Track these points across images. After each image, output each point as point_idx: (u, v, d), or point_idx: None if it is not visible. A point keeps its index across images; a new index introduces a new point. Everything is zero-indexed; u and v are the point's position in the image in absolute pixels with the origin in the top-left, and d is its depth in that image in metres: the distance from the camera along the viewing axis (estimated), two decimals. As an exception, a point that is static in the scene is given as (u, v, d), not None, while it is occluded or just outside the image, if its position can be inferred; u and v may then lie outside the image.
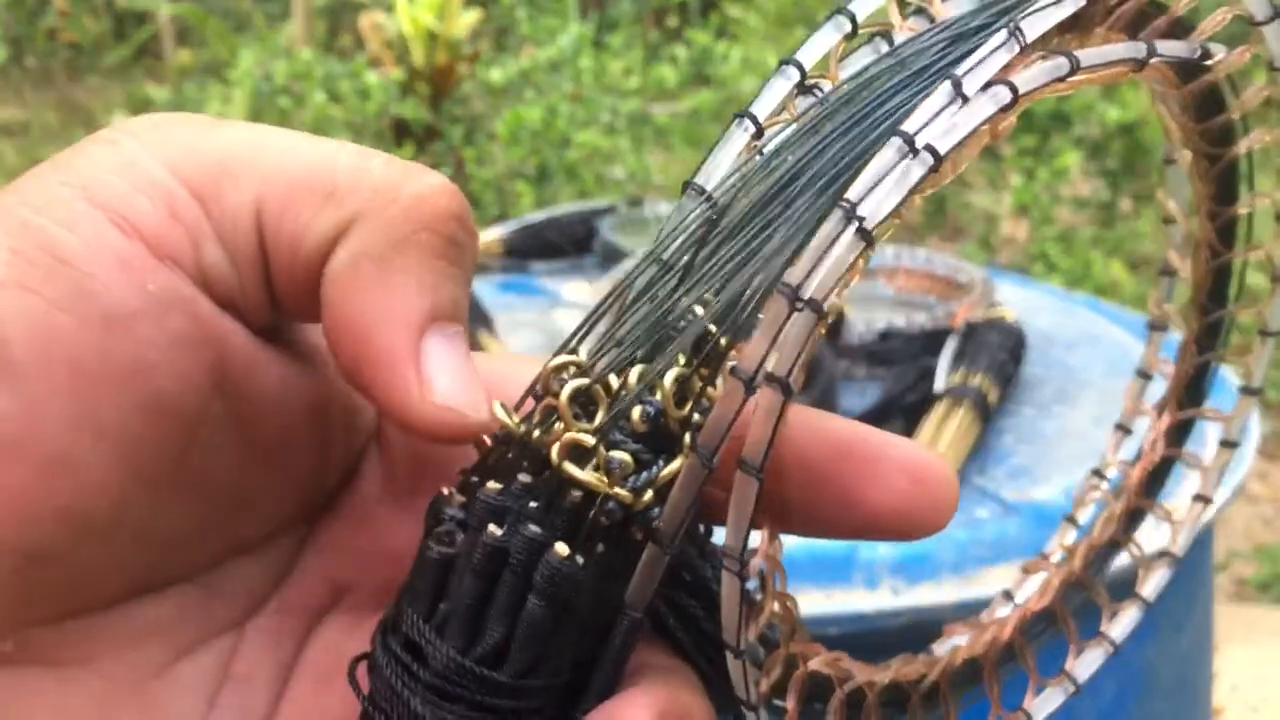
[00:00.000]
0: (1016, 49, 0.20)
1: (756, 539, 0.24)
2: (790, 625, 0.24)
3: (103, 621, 0.23)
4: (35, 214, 0.21)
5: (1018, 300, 0.97)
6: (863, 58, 0.23)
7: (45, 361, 0.20)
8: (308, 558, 0.25)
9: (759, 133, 0.23)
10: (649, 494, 0.21)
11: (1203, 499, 0.32)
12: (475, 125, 3.03)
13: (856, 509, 0.23)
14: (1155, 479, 0.32)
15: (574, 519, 0.21)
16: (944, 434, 0.74)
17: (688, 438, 0.21)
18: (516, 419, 0.22)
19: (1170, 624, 0.76)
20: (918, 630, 0.63)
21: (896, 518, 0.23)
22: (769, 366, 0.19)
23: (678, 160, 3.19)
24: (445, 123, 2.97)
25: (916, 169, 0.19)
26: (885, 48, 0.23)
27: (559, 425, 0.21)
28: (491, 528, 0.21)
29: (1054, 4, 0.21)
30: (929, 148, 0.19)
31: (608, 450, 0.21)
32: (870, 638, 0.64)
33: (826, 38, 0.23)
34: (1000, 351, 0.83)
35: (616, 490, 0.21)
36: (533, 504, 0.21)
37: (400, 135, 2.99)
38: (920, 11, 0.23)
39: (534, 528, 0.21)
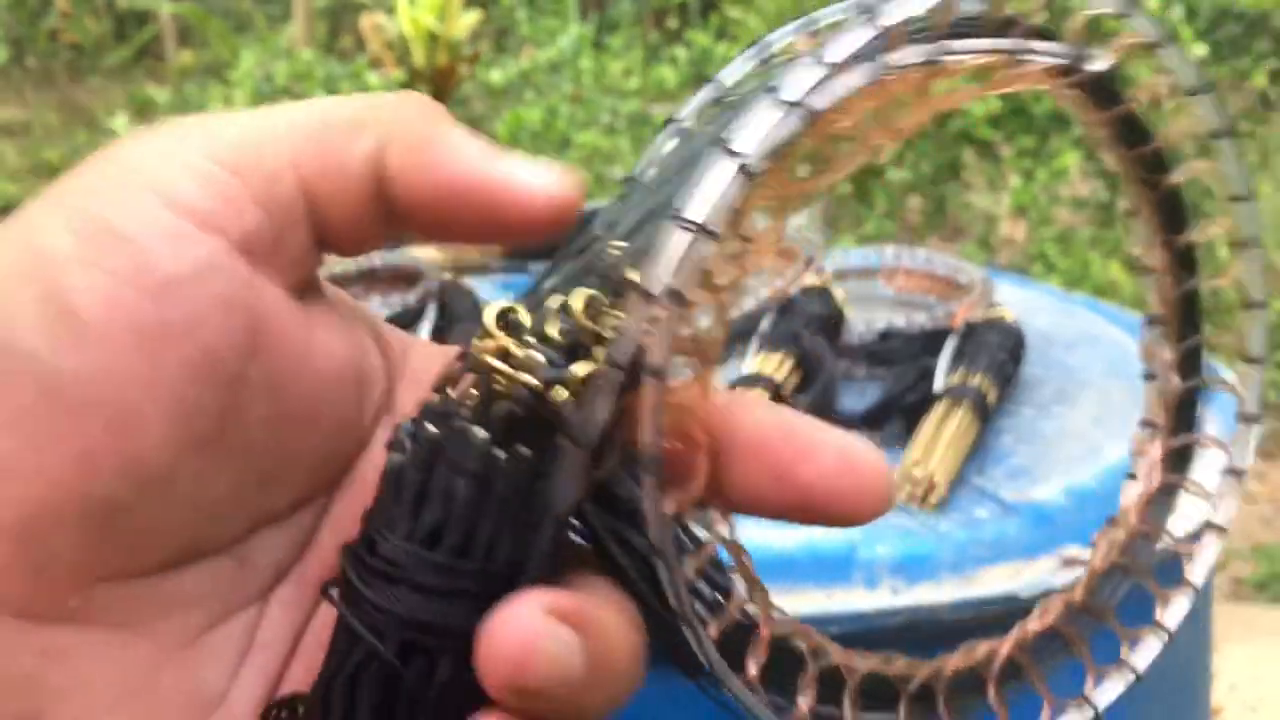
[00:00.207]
0: (872, 33, 0.23)
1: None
2: (748, 579, 0.26)
3: (153, 586, 0.24)
4: (92, 199, 0.24)
5: (1017, 300, 0.97)
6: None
7: (111, 328, 0.22)
8: (325, 529, 0.27)
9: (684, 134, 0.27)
10: (563, 391, 0.23)
11: (1216, 528, 0.32)
12: (476, 126, 3.02)
13: (789, 485, 0.25)
14: (1158, 502, 0.33)
15: (505, 424, 0.24)
16: (943, 434, 0.74)
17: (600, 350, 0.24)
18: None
19: (1169, 624, 0.76)
20: (917, 630, 0.63)
21: (826, 496, 0.25)
22: (665, 281, 0.22)
23: (678, 161, 3.18)
24: (445, 123, 2.96)
25: (780, 112, 0.23)
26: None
27: (490, 342, 0.24)
28: (429, 426, 0.24)
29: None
30: (799, 103, 0.23)
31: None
32: (870, 637, 0.64)
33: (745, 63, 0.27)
34: (1000, 352, 0.83)
35: (524, 377, 0.23)
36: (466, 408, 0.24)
37: (400, 136, 2.98)
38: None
39: (462, 422, 0.24)
